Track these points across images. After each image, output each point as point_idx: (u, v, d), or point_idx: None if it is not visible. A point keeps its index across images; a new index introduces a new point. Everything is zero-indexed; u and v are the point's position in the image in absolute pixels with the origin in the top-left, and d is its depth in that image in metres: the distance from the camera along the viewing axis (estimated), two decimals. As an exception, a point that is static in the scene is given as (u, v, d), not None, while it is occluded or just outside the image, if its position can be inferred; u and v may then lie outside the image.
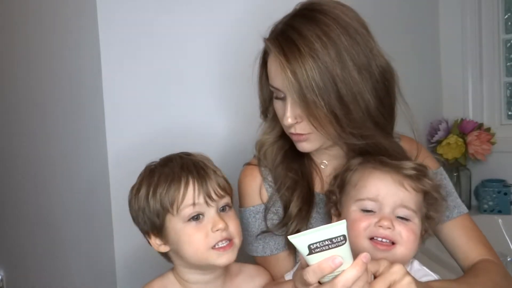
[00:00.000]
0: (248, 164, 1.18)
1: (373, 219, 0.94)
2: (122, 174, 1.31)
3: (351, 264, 0.77)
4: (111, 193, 1.31)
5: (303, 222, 1.09)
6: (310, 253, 0.75)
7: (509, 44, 2.25)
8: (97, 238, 1.41)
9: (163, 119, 1.37)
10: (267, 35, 1.08)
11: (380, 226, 0.92)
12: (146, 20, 1.35)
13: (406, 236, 0.93)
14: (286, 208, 1.10)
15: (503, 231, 2.04)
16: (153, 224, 0.98)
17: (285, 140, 1.13)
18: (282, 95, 1.03)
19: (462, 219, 1.15)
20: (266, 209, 1.12)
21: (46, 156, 1.64)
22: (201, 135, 1.40)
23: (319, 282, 0.79)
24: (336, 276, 0.76)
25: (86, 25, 1.34)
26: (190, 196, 0.95)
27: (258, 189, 1.14)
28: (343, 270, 0.76)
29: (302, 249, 0.76)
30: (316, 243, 0.75)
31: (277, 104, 1.07)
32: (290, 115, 1.02)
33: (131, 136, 1.33)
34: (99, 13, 1.29)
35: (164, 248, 0.99)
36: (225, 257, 0.95)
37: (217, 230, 0.94)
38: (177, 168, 0.97)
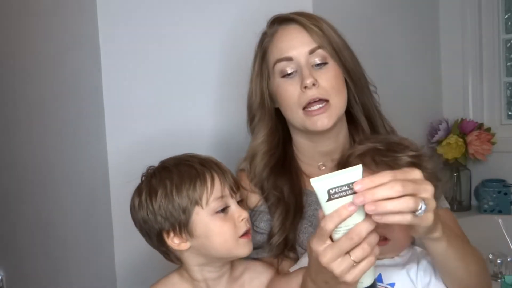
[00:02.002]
0: (241, 170, 1.20)
1: None
2: (122, 175, 1.31)
3: (364, 219, 0.77)
4: (111, 194, 1.31)
5: (289, 230, 1.11)
6: (329, 199, 0.76)
7: (509, 44, 2.24)
8: (97, 239, 1.41)
9: (163, 119, 1.37)
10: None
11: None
12: (146, 21, 1.35)
13: (397, 230, 0.95)
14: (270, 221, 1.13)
15: (503, 231, 2.04)
16: (176, 221, 0.99)
17: (273, 153, 1.16)
18: (293, 70, 1.08)
19: (446, 211, 1.15)
20: (254, 215, 1.15)
21: (46, 157, 1.64)
22: (201, 136, 1.40)
23: (332, 240, 0.79)
24: (350, 229, 0.77)
25: (86, 26, 1.34)
26: (218, 189, 0.99)
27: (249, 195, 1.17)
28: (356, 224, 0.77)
29: (322, 194, 0.76)
30: (335, 187, 0.75)
31: (286, 83, 1.10)
32: (308, 75, 1.06)
33: (131, 137, 1.33)
34: (99, 14, 1.29)
35: (185, 246, 1.00)
36: (248, 246, 1.01)
37: (242, 220, 1.00)
38: (198, 165, 1.01)
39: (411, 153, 0.99)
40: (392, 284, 0.97)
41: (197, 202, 0.98)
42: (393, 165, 0.96)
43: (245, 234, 1.01)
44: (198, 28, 1.40)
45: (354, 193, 0.75)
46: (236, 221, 1.00)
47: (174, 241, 1.00)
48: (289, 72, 1.09)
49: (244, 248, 1.01)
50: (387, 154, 0.98)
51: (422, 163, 0.98)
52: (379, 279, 0.96)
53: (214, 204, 0.99)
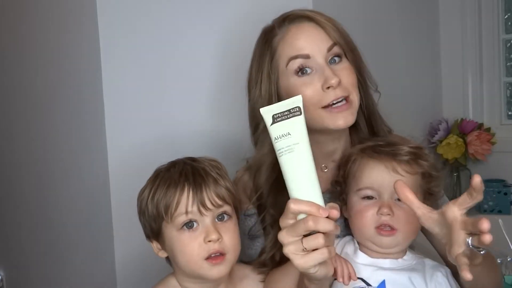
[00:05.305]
0: (240, 178, 1.17)
1: (374, 207, 0.98)
2: (122, 175, 1.31)
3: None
4: (112, 195, 1.31)
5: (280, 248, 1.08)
6: (273, 122, 0.84)
7: (509, 44, 2.24)
8: (97, 240, 1.41)
9: (163, 120, 1.37)
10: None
11: (381, 214, 0.98)
12: (146, 22, 1.35)
13: (404, 220, 0.97)
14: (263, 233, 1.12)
15: (503, 231, 2.04)
16: (151, 229, 0.97)
17: (275, 164, 1.08)
18: (311, 68, 1.05)
19: None
20: (246, 216, 1.13)
21: (47, 158, 1.64)
22: (200, 136, 1.40)
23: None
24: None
25: (86, 26, 1.34)
26: (184, 204, 0.93)
27: (246, 195, 1.15)
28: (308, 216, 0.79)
29: (268, 118, 0.85)
30: (278, 113, 0.84)
31: (303, 83, 1.05)
32: (332, 75, 1.03)
33: (131, 137, 1.33)
34: (99, 14, 1.29)
35: (163, 254, 0.99)
36: (216, 270, 0.93)
37: (209, 241, 0.92)
38: (176, 174, 0.96)
39: (411, 145, 1.03)
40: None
41: (162, 217, 0.94)
42: (394, 154, 1.00)
43: (211, 257, 0.92)
44: (198, 29, 1.40)
45: (294, 116, 0.83)
46: (202, 241, 0.92)
47: (157, 246, 0.99)
48: (307, 70, 1.05)
49: (210, 271, 0.93)
50: (388, 146, 1.02)
51: (423, 155, 1.02)
52: (382, 286, 0.97)
53: (179, 219, 0.93)
